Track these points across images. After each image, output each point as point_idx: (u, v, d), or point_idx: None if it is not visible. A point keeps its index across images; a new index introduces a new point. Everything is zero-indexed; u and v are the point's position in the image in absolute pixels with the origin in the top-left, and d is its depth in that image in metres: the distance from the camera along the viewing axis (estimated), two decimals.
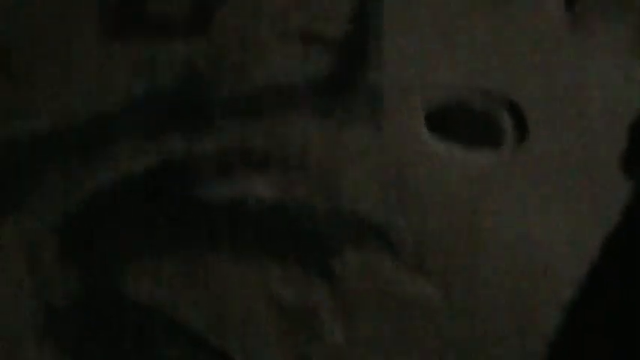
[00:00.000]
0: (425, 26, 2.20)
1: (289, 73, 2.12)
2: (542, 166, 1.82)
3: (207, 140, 1.88)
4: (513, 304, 1.73)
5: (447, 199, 1.73)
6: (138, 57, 2.14)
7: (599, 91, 2.02)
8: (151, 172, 1.79)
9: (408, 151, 1.83)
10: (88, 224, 1.72)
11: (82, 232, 1.72)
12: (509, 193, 1.76)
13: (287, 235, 1.69)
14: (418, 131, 1.86)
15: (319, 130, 1.89)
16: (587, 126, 1.93)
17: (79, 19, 2.25)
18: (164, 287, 1.67)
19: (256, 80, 2.09)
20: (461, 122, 1.88)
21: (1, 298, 1.72)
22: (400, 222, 1.68)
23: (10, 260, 1.73)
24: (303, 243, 1.67)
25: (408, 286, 1.67)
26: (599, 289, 1.62)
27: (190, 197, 1.73)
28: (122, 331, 1.70)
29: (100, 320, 1.68)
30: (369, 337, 1.69)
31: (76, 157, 1.82)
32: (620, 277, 1.60)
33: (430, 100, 1.99)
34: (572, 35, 2.10)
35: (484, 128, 1.85)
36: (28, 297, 1.72)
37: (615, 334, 1.56)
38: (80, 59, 2.12)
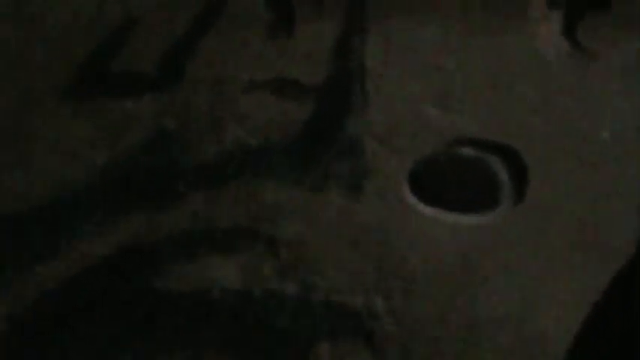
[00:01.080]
0: (412, 66, 1.98)
1: (263, 128, 1.93)
2: (543, 220, 1.57)
3: (171, 215, 1.70)
4: None
5: (435, 273, 1.50)
6: (104, 120, 1.98)
7: (605, 122, 1.77)
8: (110, 257, 1.62)
9: (390, 216, 1.60)
10: (41, 320, 1.55)
11: (35, 328, 1.55)
12: (506, 258, 1.52)
13: (254, 329, 1.48)
14: (403, 192, 1.64)
15: (291, 197, 1.69)
16: (594, 163, 1.68)
17: (43, 86, 2.10)
18: None
19: (227, 138, 1.90)
20: (451, 178, 1.65)
21: None
22: (380, 306, 1.46)
23: None
24: (270, 339, 1.46)
25: None
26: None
27: (151, 285, 1.54)
28: None
29: None
30: None
31: (32, 243, 1.66)
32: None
33: (417, 151, 1.77)
34: (573, 63, 1.85)
35: (478, 184, 1.62)
36: None
37: None
38: (44, 130, 1.97)
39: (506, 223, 1.58)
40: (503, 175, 1.62)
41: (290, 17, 2.22)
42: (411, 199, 1.60)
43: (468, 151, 1.67)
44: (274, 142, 1.87)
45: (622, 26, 1.86)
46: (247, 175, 1.78)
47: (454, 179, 1.64)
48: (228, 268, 1.57)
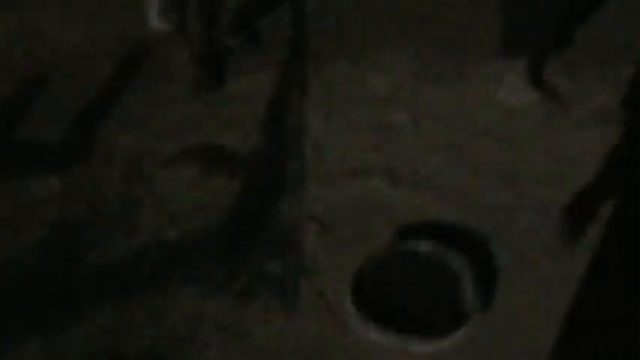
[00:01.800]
0: (358, 124, 1.66)
1: (184, 212, 1.62)
2: (512, 331, 1.25)
3: (72, 336, 1.37)
4: None
5: None
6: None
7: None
8: None
9: (331, 337, 1.29)
10: None
11: None
12: None
13: None
14: (345, 311, 1.31)
15: (215, 307, 1.37)
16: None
17: None
18: None
19: (141, 228, 1.59)
20: (405, 281, 1.33)
21: None
22: None
23: None
24: None
25: None
26: None
27: None
28: None
29: None
30: None
31: None
32: None
33: (364, 240, 1.45)
34: (542, 114, 1.56)
35: (437, 290, 1.29)
36: None
37: None
38: None
39: (469, 341, 1.27)
40: (468, 279, 1.30)
41: (219, 72, 1.92)
42: (355, 318, 1.28)
43: (424, 247, 1.36)
44: (197, 234, 1.56)
45: (596, 68, 1.56)
46: (164, 278, 1.47)
47: (408, 282, 1.33)
48: None
